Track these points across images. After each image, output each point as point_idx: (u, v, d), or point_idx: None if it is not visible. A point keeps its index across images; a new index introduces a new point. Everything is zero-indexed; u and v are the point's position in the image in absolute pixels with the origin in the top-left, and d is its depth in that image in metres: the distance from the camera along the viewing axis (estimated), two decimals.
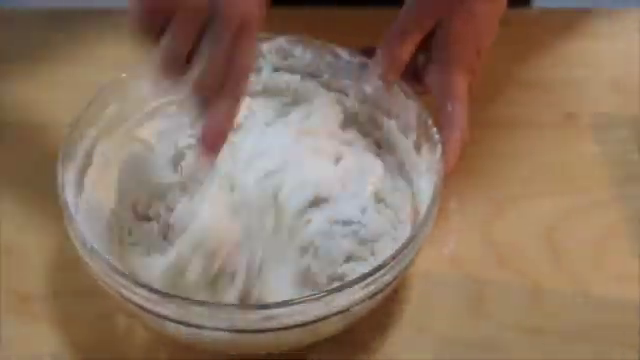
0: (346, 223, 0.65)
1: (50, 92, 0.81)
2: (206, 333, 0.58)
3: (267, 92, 0.73)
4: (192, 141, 0.69)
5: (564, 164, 0.77)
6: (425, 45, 0.69)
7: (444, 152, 0.65)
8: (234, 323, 0.57)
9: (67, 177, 0.63)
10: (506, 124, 0.79)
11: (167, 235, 0.65)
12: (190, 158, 0.68)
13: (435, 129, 0.65)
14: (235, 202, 0.65)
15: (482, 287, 0.69)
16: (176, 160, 0.69)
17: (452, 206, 0.73)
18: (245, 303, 0.62)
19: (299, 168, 0.67)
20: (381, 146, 0.71)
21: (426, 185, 0.65)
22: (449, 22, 0.68)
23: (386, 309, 0.66)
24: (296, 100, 0.73)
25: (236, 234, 0.63)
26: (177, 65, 0.60)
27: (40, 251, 0.70)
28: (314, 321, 0.58)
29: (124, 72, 0.69)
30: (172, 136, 0.71)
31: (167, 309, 0.57)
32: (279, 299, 0.59)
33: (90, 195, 0.66)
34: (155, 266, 0.62)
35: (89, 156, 0.67)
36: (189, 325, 0.58)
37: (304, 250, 0.64)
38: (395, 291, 0.67)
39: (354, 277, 0.58)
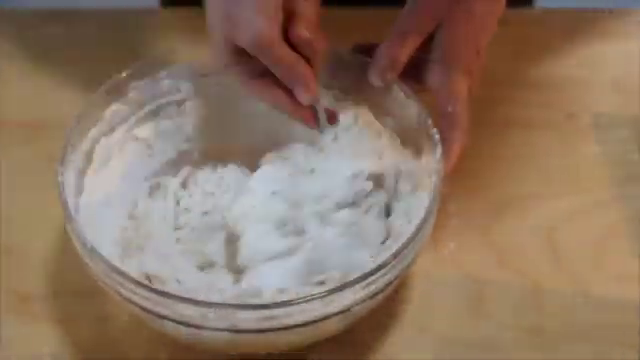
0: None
1: (50, 92, 0.81)
2: (206, 333, 0.58)
3: None
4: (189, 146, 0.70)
5: (564, 164, 0.77)
6: (425, 45, 0.69)
7: (444, 152, 0.65)
8: (234, 323, 0.57)
9: (67, 177, 0.63)
10: (506, 124, 0.79)
11: None
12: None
13: (435, 129, 0.65)
14: None
15: (482, 287, 0.69)
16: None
17: (452, 206, 0.73)
18: (245, 303, 0.62)
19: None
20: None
21: (424, 187, 0.65)
22: (449, 23, 0.68)
23: (386, 309, 0.66)
24: None
25: None
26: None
27: (40, 251, 0.70)
28: (314, 321, 0.58)
29: (124, 72, 0.69)
30: (172, 137, 0.72)
31: (166, 309, 0.57)
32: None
33: (90, 195, 0.66)
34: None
35: (89, 156, 0.67)
36: (188, 325, 0.58)
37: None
38: (395, 291, 0.67)
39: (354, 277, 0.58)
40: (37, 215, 0.72)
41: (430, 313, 0.67)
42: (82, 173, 0.66)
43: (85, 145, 0.67)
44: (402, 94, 0.68)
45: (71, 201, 0.62)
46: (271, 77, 0.65)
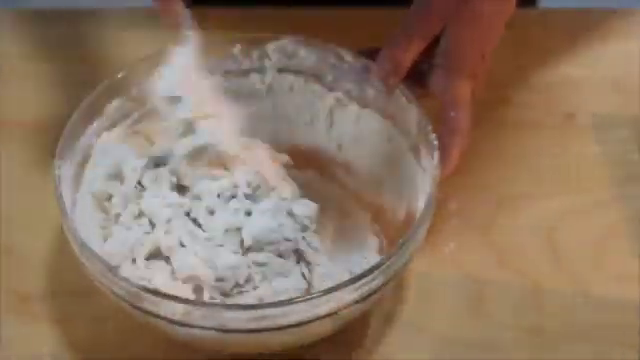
0: None
1: (50, 92, 0.81)
2: (197, 332, 0.58)
3: (272, 92, 0.73)
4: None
5: (564, 164, 0.77)
6: (429, 49, 0.69)
7: (443, 157, 0.64)
8: (223, 323, 0.57)
9: (64, 172, 0.63)
10: (506, 124, 0.79)
11: None
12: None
13: (434, 135, 0.65)
14: None
15: (482, 287, 0.68)
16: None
17: (452, 206, 0.73)
18: (232, 303, 0.62)
19: None
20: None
21: (422, 190, 0.65)
22: (454, 26, 0.68)
23: (385, 309, 0.66)
24: None
25: None
26: None
27: (40, 251, 0.70)
28: (304, 322, 0.57)
29: (124, 71, 0.69)
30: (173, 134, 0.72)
31: (159, 308, 0.57)
32: None
33: (88, 191, 0.66)
34: None
35: (88, 151, 0.67)
36: (181, 324, 0.58)
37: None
38: (394, 291, 0.67)
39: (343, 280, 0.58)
40: (37, 215, 0.72)
41: (429, 313, 0.67)
42: (81, 168, 0.66)
43: (85, 140, 0.67)
44: (403, 98, 0.68)
45: (68, 196, 0.63)
46: None
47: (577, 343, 0.65)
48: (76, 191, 0.65)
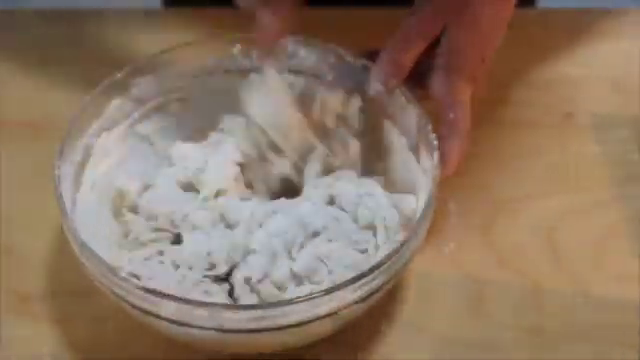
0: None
1: (50, 92, 0.81)
2: (196, 332, 0.58)
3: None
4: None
5: (564, 164, 0.77)
6: (429, 50, 0.69)
7: (443, 158, 0.64)
8: (222, 323, 0.57)
9: (65, 171, 0.64)
10: (506, 124, 0.79)
11: None
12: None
13: (434, 135, 0.65)
14: None
15: (482, 287, 0.68)
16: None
17: (452, 206, 0.73)
18: (231, 303, 0.62)
19: None
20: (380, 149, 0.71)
21: (422, 191, 0.65)
22: (454, 28, 0.68)
23: (385, 309, 0.66)
24: None
25: None
26: None
27: (40, 251, 0.70)
28: (304, 322, 0.58)
29: (124, 71, 0.69)
30: (174, 134, 0.72)
31: (159, 308, 0.57)
32: None
33: (88, 191, 0.66)
34: None
35: (89, 151, 0.67)
36: (181, 324, 0.58)
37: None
38: (394, 291, 0.67)
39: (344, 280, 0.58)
40: (37, 215, 0.72)
41: (429, 313, 0.67)
42: (81, 168, 0.66)
43: (85, 140, 0.67)
44: (403, 98, 0.68)
45: (68, 196, 0.63)
46: None
47: (577, 343, 0.65)
48: (76, 191, 0.65)
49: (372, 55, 0.70)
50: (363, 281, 0.58)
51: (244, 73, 0.72)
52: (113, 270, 0.58)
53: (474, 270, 0.69)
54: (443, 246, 0.71)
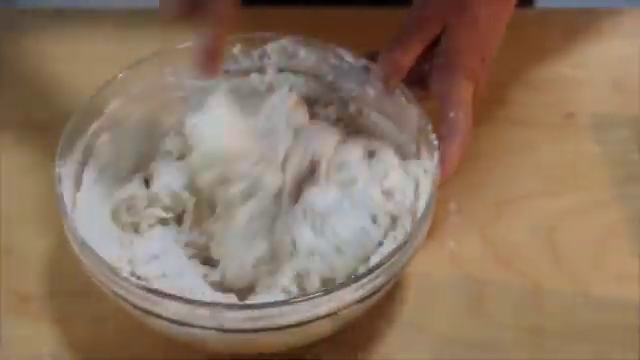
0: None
1: (50, 92, 0.81)
2: (197, 332, 0.58)
3: (272, 92, 0.73)
4: None
5: (564, 164, 0.77)
6: (430, 50, 0.69)
7: (444, 158, 0.64)
8: (221, 322, 0.57)
9: (65, 171, 0.64)
10: (506, 124, 0.79)
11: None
12: None
13: (434, 135, 0.65)
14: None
15: (482, 287, 0.68)
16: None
17: (452, 206, 0.73)
18: (232, 303, 0.62)
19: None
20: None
21: (423, 190, 0.65)
22: (453, 28, 0.68)
23: (385, 309, 0.66)
24: None
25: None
26: None
27: (40, 251, 0.70)
28: (304, 322, 0.58)
29: (124, 71, 0.69)
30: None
31: (159, 308, 0.57)
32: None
33: (88, 190, 0.66)
34: None
35: (89, 150, 0.67)
36: (181, 324, 0.58)
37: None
38: (394, 291, 0.67)
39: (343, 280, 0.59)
40: (37, 215, 0.72)
41: (429, 313, 0.67)
42: (81, 168, 0.66)
43: (85, 140, 0.67)
44: (403, 98, 0.68)
45: (68, 195, 0.63)
46: None
47: (577, 343, 0.65)
48: (76, 191, 0.65)
49: (372, 56, 0.70)
50: (363, 281, 0.58)
51: (244, 73, 0.73)
52: (113, 270, 0.58)
53: (474, 270, 0.69)
54: (443, 246, 0.71)
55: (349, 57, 0.71)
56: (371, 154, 0.69)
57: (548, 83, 0.83)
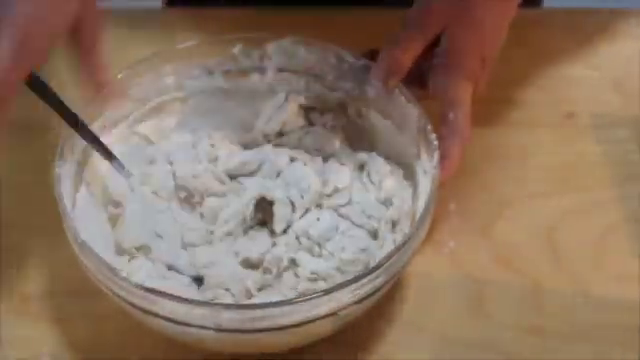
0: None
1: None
2: (196, 332, 0.58)
3: (272, 92, 0.73)
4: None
5: (564, 164, 0.77)
6: (430, 51, 0.69)
7: (444, 158, 0.64)
8: (219, 322, 0.57)
9: (65, 171, 0.64)
10: (506, 124, 0.79)
11: None
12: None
13: (434, 135, 0.65)
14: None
15: (482, 287, 0.68)
16: None
17: (452, 206, 0.73)
18: (229, 303, 0.62)
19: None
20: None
21: (423, 190, 0.65)
22: (454, 29, 0.68)
23: (385, 309, 0.66)
24: None
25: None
26: None
27: (40, 251, 0.70)
28: (304, 323, 0.58)
29: (124, 71, 0.69)
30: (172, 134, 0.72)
31: (159, 308, 0.57)
32: None
33: (88, 190, 0.66)
34: None
35: (89, 151, 0.67)
36: (181, 324, 0.58)
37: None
38: (394, 291, 0.67)
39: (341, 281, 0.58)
40: (37, 215, 0.72)
41: (429, 313, 0.67)
42: (81, 168, 0.67)
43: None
44: (403, 98, 0.68)
45: (68, 196, 0.63)
46: None
47: (577, 343, 0.65)
48: (76, 191, 0.66)
49: (372, 55, 0.70)
50: (363, 281, 0.58)
51: (244, 73, 0.73)
52: (113, 270, 0.58)
53: (474, 270, 0.69)
54: (443, 246, 0.71)
55: (349, 57, 0.71)
56: (361, 167, 0.69)
57: (549, 83, 0.83)
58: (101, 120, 0.68)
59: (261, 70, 0.73)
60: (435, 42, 0.69)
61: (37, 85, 0.65)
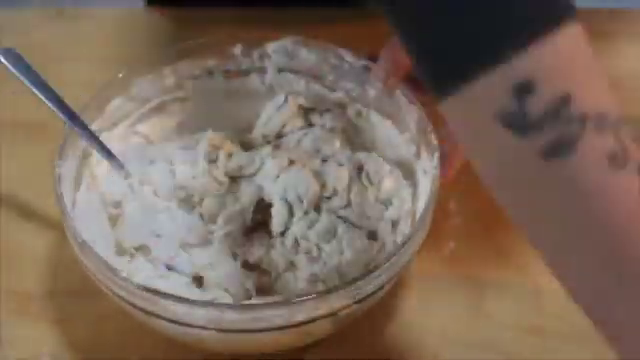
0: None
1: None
2: (197, 332, 0.58)
3: (272, 92, 0.73)
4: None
5: None
6: None
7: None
8: (221, 322, 0.57)
9: (65, 171, 0.64)
10: None
11: None
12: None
13: (434, 135, 0.65)
14: None
15: (482, 287, 0.68)
16: None
17: (452, 206, 0.73)
18: (230, 303, 0.62)
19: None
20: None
21: (423, 190, 0.65)
22: None
23: (386, 308, 0.66)
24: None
25: None
26: None
27: (40, 251, 0.70)
28: (303, 323, 0.58)
29: (124, 71, 0.69)
30: (174, 134, 0.72)
31: (159, 308, 0.57)
32: None
33: (88, 190, 0.66)
34: None
35: (89, 151, 0.67)
36: (181, 324, 0.58)
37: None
38: (395, 291, 0.67)
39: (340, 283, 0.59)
40: (37, 215, 0.72)
41: (430, 312, 0.67)
42: (81, 168, 0.67)
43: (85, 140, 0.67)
44: (404, 98, 0.68)
45: (68, 195, 0.63)
46: None
47: (577, 343, 0.65)
48: (76, 191, 0.66)
49: (373, 59, 0.70)
50: (363, 282, 0.58)
51: (244, 73, 0.73)
52: (113, 270, 0.58)
53: (474, 270, 0.69)
54: (443, 246, 0.71)
55: (349, 57, 0.71)
56: (360, 167, 0.69)
57: None
58: (101, 120, 0.68)
59: (261, 70, 0.73)
60: None
61: (37, 85, 0.65)
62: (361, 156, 0.69)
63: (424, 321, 0.66)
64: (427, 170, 0.65)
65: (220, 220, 0.66)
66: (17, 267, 0.70)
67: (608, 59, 0.85)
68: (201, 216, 0.67)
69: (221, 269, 0.64)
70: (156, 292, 0.57)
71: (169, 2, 0.96)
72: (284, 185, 0.67)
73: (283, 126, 0.72)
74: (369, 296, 0.59)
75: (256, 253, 0.65)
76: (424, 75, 0.46)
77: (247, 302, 0.63)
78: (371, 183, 0.68)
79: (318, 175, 0.67)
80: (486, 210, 0.73)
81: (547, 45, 0.44)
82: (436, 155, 0.64)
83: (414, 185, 0.68)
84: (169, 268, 0.65)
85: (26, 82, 0.68)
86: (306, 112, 0.72)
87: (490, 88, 0.43)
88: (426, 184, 0.64)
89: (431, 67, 0.45)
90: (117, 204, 0.67)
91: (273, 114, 0.72)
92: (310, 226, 0.65)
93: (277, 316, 0.57)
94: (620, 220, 0.44)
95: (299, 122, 0.72)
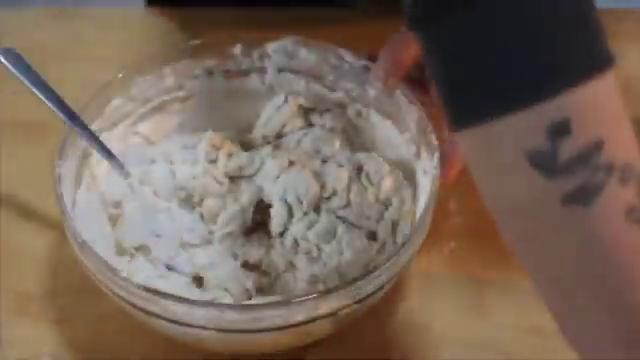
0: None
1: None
2: (197, 332, 0.58)
3: (272, 92, 0.73)
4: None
5: None
6: None
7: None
8: (221, 322, 0.57)
9: (65, 171, 0.64)
10: None
11: None
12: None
13: (434, 135, 0.65)
14: None
15: (482, 287, 0.68)
16: None
17: (452, 206, 0.73)
18: (230, 303, 0.62)
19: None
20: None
21: (423, 190, 0.65)
22: None
23: (386, 309, 0.66)
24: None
25: None
26: None
27: (40, 251, 0.70)
28: (303, 323, 0.58)
29: (124, 71, 0.69)
30: (174, 134, 0.72)
31: (156, 306, 0.57)
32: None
33: (88, 190, 0.66)
34: None
35: (89, 151, 0.67)
36: (181, 324, 0.58)
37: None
38: (395, 291, 0.67)
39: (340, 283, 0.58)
40: (37, 215, 0.72)
41: (430, 312, 0.67)
42: (81, 167, 0.67)
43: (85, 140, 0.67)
44: (404, 98, 0.68)
45: (68, 195, 0.63)
46: None
47: None
48: (76, 190, 0.66)
49: (372, 59, 0.70)
50: (363, 282, 0.58)
51: (244, 73, 0.73)
52: (113, 270, 0.58)
53: (474, 270, 0.69)
54: (443, 246, 0.71)
55: (349, 57, 0.71)
56: (360, 168, 0.69)
57: None
58: (101, 120, 0.68)
59: (261, 70, 0.73)
60: None
61: (37, 85, 0.65)
62: (361, 156, 0.69)
63: (424, 321, 0.66)
64: (427, 170, 0.65)
65: (220, 220, 0.66)
66: (17, 267, 0.70)
67: None
68: (201, 216, 0.67)
69: (221, 269, 0.64)
70: (156, 292, 0.57)
71: (169, 2, 0.96)
72: (284, 186, 0.67)
73: (283, 126, 0.72)
74: (369, 296, 0.59)
75: (256, 253, 0.65)
76: (448, 101, 0.45)
77: (247, 302, 0.63)
78: (371, 183, 0.68)
79: (318, 176, 0.67)
80: (486, 210, 0.73)
81: (588, 90, 0.44)
82: (436, 155, 0.64)
83: (414, 185, 0.68)
84: (169, 268, 0.65)
85: (26, 82, 0.68)
86: (306, 112, 0.72)
87: (525, 124, 0.43)
88: (426, 184, 0.64)
89: (461, 95, 0.45)
90: (117, 204, 0.67)
91: (273, 114, 0.72)
92: (310, 226, 0.65)
93: (277, 316, 0.57)
94: (635, 275, 0.45)
95: (299, 122, 0.72)
